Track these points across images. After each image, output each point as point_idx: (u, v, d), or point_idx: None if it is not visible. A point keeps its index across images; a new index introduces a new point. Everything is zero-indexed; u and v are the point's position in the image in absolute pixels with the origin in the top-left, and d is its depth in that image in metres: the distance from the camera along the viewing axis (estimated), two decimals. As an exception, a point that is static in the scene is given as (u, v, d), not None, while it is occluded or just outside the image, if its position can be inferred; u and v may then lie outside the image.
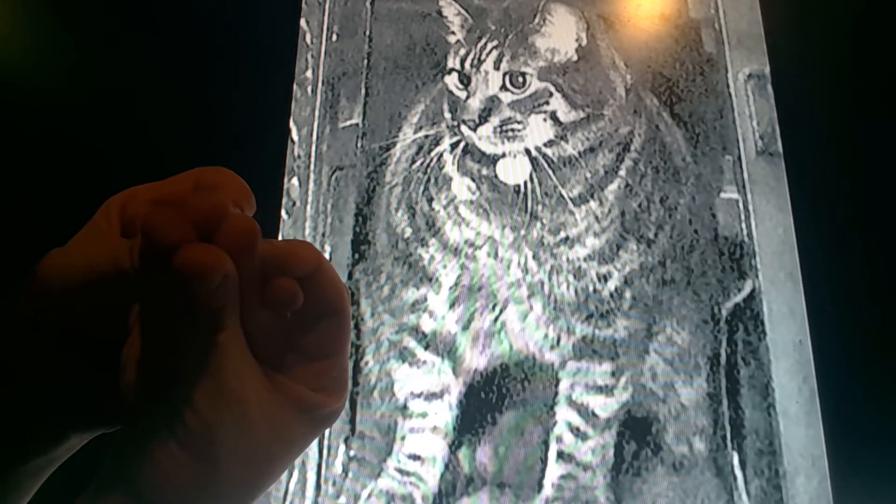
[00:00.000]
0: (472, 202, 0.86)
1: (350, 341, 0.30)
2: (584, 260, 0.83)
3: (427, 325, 0.82)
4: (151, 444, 0.25)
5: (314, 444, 0.77)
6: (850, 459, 0.76)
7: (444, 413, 0.79)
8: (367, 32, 0.95)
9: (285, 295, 0.27)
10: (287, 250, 0.27)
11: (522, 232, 0.84)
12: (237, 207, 0.26)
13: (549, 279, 0.83)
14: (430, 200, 0.86)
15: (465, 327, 0.82)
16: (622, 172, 0.87)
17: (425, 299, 0.83)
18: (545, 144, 0.87)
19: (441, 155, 0.88)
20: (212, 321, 0.25)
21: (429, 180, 0.87)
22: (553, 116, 0.88)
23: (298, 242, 0.28)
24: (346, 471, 0.77)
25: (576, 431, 0.78)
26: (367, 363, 0.81)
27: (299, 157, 0.89)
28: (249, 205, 0.27)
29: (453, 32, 0.93)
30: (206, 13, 0.94)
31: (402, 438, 0.78)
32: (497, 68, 0.89)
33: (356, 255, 0.85)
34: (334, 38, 0.94)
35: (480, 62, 0.90)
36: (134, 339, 0.27)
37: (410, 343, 0.81)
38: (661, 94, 0.91)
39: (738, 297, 0.82)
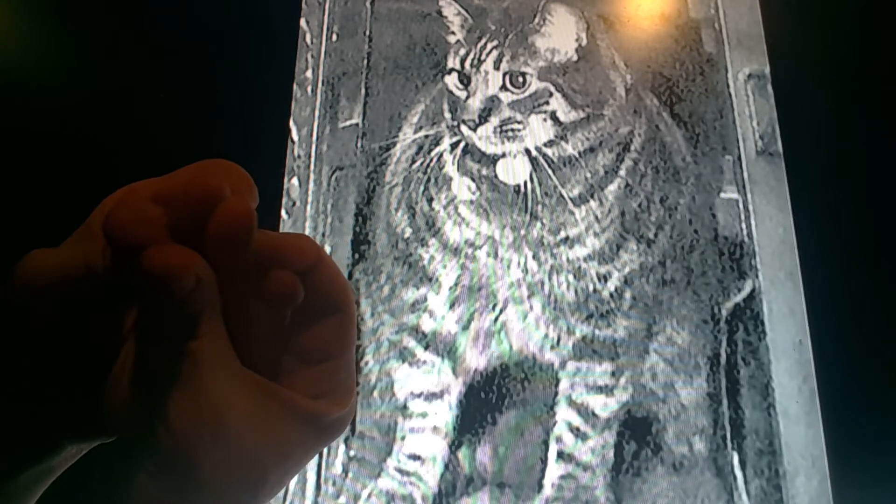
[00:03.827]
0: (472, 202, 0.86)
1: (355, 341, 0.28)
2: (584, 260, 0.83)
3: (427, 325, 0.82)
4: (132, 465, 0.23)
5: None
6: (850, 459, 0.76)
7: (444, 413, 0.79)
8: (367, 32, 0.95)
9: (284, 289, 0.25)
10: (285, 242, 0.25)
11: (522, 232, 0.84)
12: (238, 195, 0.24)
13: (549, 279, 0.83)
14: (430, 200, 0.86)
15: (465, 327, 0.82)
16: (622, 172, 0.87)
17: (425, 299, 0.83)
18: (545, 144, 0.87)
19: (441, 155, 0.88)
20: (187, 328, 0.23)
21: (429, 180, 0.87)
22: (553, 116, 0.88)
23: (297, 235, 0.26)
24: (346, 471, 0.77)
25: (576, 431, 0.78)
26: (367, 363, 0.81)
27: (299, 157, 0.89)
28: (251, 195, 0.25)
29: (453, 32, 0.93)
30: (206, 13, 0.94)
31: (402, 438, 0.78)
32: (497, 68, 0.89)
33: (356, 255, 0.85)
34: (334, 38, 0.94)
35: (480, 62, 0.90)
36: (128, 348, 0.26)
37: (410, 343, 0.81)
38: (661, 94, 0.91)
39: (738, 297, 0.82)
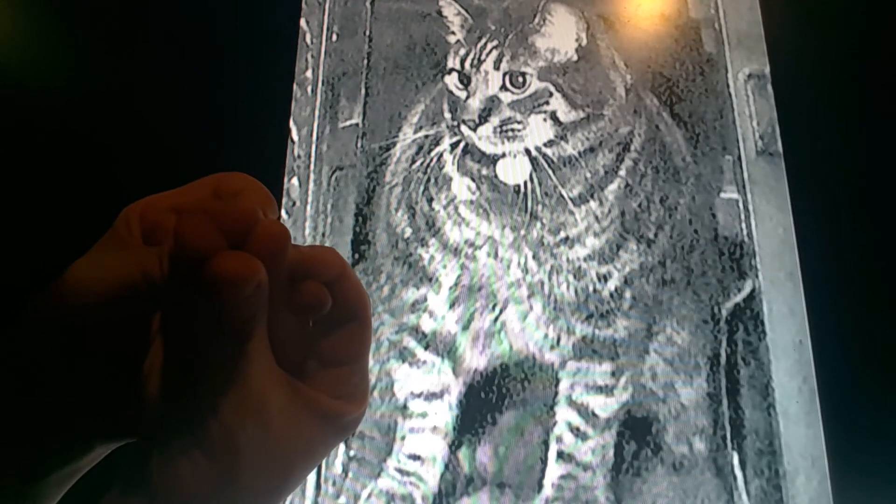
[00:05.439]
0: (472, 202, 0.86)
1: (370, 348, 0.30)
2: (584, 260, 0.83)
3: (427, 325, 0.82)
4: (173, 450, 0.25)
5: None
6: (850, 459, 0.76)
7: (444, 413, 0.79)
8: (367, 32, 0.95)
9: (314, 299, 0.27)
10: (313, 255, 0.27)
11: (522, 232, 0.84)
12: (263, 213, 0.26)
13: (549, 279, 0.83)
14: (430, 200, 0.86)
15: (465, 327, 0.82)
16: (622, 172, 0.87)
17: (425, 299, 0.83)
18: (545, 144, 0.87)
19: (441, 155, 0.88)
20: (240, 330, 0.25)
21: (429, 180, 0.87)
22: (553, 116, 0.88)
23: (323, 247, 0.28)
24: (346, 471, 0.77)
25: (576, 431, 0.78)
26: (367, 363, 0.81)
27: (299, 157, 0.89)
28: (273, 210, 0.27)
29: (453, 32, 0.93)
30: (206, 13, 0.94)
31: (402, 438, 0.78)
32: (497, 68, 0.89)
33: (356, 255, 0.85)
34: (334, 38, 0.94)
35: (480, 62, 0.90)
36: (156, 349, 0.27)
37: (410, 343, 0.81)
38: (661, 94, 0.91)
39: (738, 297, 0.82)
